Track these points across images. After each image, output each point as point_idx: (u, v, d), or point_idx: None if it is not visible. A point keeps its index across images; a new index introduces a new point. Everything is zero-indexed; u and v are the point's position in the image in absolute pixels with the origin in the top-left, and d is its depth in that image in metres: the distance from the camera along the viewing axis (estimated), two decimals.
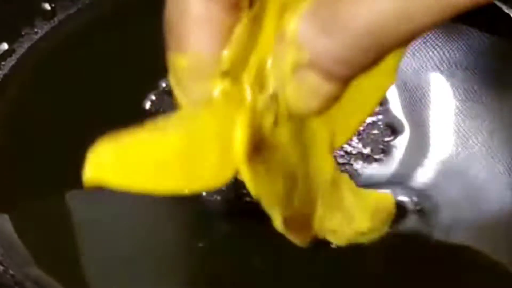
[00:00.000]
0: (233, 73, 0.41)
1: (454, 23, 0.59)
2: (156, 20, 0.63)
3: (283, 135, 0.44)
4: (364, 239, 0.49)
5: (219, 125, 0.42)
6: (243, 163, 0.42)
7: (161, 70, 0.59)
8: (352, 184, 0.49)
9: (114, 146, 0.42)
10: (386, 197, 0.51)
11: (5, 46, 0.63)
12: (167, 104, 0.58)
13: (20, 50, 0.63)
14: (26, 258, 0.51)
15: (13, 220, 0.53)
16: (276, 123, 0.42)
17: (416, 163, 0.56)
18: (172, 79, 0.43)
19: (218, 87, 0.41)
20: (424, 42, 0.60)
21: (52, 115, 0.59)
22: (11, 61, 0.62)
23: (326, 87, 0.39)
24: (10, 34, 0.63)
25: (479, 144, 0.56)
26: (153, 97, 0.59)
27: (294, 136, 0.45)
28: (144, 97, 0.59)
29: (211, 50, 0.40)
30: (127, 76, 0.60)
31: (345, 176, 0.49)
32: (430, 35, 0.60)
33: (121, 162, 0.42)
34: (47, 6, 0.65)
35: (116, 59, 0.61)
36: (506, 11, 0.60)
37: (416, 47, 0.60)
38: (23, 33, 0.64)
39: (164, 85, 0.59)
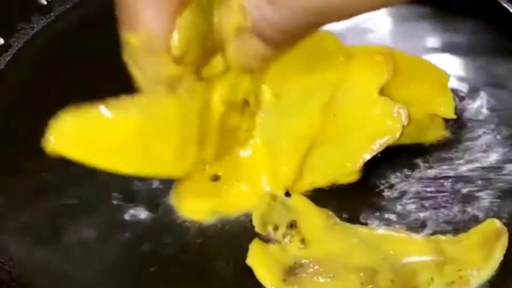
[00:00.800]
0: (185, 60, 0.44)
1: None
2: None
3: None
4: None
5: (180, 115, 0.45)
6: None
7: None
8: (443, 238, 0.50)
9: (76, 118, 0.44)
10: (488, 223, 0.50)
11: (1, 41, 0.63)
12: None
13: (17, 45, 0.63)
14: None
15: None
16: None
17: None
18: (126, 55, 0.46)
19: (183, 81, 0.44)
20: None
21: (49, 110, 0.58)
22: (7, 56, 0.62)
23: (263, 50, 0.43)
24: (6, 29, 0.63)
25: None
26: None
27: None
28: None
29: (161, 29, 0.43)
30: (124, 70, 0.60)
31: (438, 237, 0.50)
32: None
33: (81, 135, 0.44)
34: (43, 1, 0.65)
35: (113, 54, 0.60)
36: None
37: None
38: (19, 28, 0.64)
39: None
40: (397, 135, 0.51)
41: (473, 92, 0.58)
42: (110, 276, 0.50)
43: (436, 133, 0.55)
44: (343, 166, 0.52)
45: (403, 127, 0.51)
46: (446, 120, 0.55)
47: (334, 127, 0.52)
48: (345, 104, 0.52)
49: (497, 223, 0.50)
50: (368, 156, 0.51)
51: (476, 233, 0.50)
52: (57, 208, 0.53)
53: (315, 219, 0.50)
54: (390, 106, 0.51)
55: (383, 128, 0.51)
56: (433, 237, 0.50)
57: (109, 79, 0.60)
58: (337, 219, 0.51)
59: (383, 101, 0.52)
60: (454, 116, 0.55)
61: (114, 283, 0.50)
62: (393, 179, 0.53)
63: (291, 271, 0.48)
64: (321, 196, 0.52)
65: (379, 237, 0.50)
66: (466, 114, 0.57)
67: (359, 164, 0.52)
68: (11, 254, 0.52)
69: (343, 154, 0.52)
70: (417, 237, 0.50)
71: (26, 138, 0.57)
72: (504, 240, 0.49)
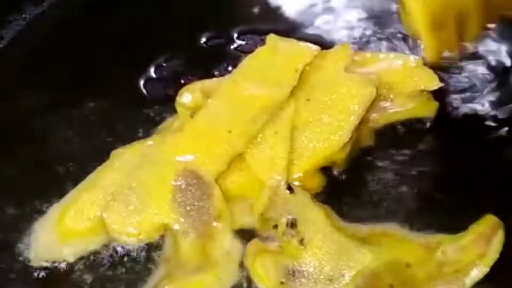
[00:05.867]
0: None
1: None
2: (146, 5, 0.64)
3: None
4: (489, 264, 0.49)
5: None
6: None
7: (151, 55, 0.61)
8: (444, 238, 0.50)
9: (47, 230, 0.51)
10: (484, 219, 0.50)
11: None
12: (156, 87, 0.59)
13: (8, 36, 0.63)
14: None
15: None
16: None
17: None
18: None
19: None
20: None
21: (42, 101, 0.58)
22: None
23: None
24: None
25: None
26: (142, 81, 0.59)
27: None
28: (134, 81, 0.59)
29: None
30: (116, 61, 0.60)
31: (438, 237, 0.50)
32: None
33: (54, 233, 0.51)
34: None
35: (105, 44, 0.61)
36: None
37: None
38: (11, 18, 0.63)
39: (152, 70, 0.60)
40: (372, 97, 0.54)
41: None
42: None
43: (429, 105, 0.56)
44: (328, 140, 0.53)
45: (376, 88, 0.54)
46: (434, 92, 0.56)
47: (310, 110, 0.54)
48: (315, 88, 0.54)
49: (494, 218, 0.50)
50: (353, 123, 0.53)
51: (473, 231, 0.50)
52: None
53: (315, 219, 0.50)
54: (358, 78, 0.54)
55: (356, 97, 0.53)
56: (433, 237, 0.50)
57: (101, 68, 0.60)
58: (337, 217, 0.51)
59: (350, 76, 0.55)
60: (440, 85, 0.56)
61: None
62: (389, 175, 0.54)
63: (289, 274, 0.48)
64: (321, 194, 0.53)
65: (379, 238, 0.50)
66: None
67: (345, 135, 0.53)
68: None
69: (325, 131, 0.53)
70: (418, 237, 0.50)
71: (19, 127, 0.57)
72: (500, 234, 0.49)
